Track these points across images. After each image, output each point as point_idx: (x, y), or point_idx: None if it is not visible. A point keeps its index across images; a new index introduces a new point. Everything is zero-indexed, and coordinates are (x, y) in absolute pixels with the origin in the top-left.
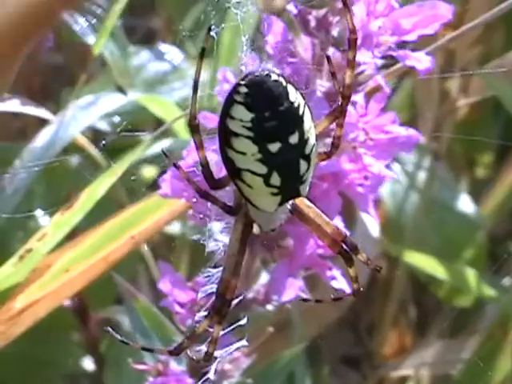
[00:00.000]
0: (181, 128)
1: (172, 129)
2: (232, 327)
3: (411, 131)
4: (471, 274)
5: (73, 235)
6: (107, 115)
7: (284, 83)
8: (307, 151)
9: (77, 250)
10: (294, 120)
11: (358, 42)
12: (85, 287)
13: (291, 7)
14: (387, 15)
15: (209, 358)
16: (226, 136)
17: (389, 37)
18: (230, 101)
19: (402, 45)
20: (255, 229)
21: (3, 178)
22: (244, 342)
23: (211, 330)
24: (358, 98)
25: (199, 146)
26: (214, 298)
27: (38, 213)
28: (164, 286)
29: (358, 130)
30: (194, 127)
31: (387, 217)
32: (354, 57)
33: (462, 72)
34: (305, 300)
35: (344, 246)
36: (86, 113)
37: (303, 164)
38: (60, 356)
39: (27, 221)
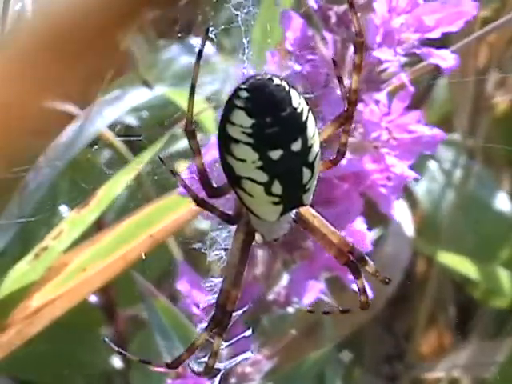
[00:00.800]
0: (208, 122)
1: (201, 124)
2: (236, 339)
3: (436, 130)
4: (505, 276)
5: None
6: (135, 110)
7: (287, 88)
8: (311, 159)
9: (94, 249)
10: (296, 126)
11: (378, 39)
12: (103, 286)
13: (312, 2)
14: (410, 12)
15: (209, 370)
16: (225, 142)
17: (411, 34)
18: (229, 105)
19: (429, 41)
20: (257, 238)
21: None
22: (249, 354)
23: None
24: (381, 96)
25: (196, 153)
26: (214, 309)
27: (63, 209)
28: (182, 286)
29: (381, 129)
30: (189, 133)
31: (423, 215)
32: (361, 61)
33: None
34: (310, 312)
35: (351, 257)
36: (111, 107)
37: (306, 172)
38: (89, 354)
39: (51, 217)
